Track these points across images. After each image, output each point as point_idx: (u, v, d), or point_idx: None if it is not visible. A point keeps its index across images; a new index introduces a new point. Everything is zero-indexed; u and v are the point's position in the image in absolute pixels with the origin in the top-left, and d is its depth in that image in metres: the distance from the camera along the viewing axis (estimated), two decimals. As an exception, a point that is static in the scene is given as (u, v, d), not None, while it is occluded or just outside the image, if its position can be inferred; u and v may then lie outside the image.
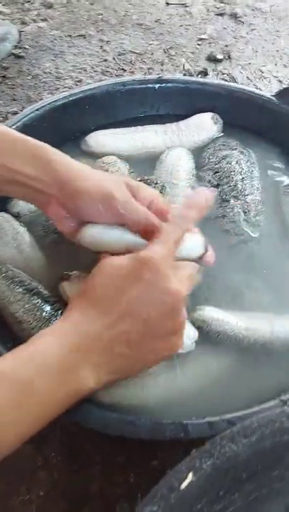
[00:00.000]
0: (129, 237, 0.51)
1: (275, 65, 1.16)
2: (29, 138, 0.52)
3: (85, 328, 0.42)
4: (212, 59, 1.16)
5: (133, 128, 0.75)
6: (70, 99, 0.73)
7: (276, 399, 0.42)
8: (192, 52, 1.18)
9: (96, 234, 0.52)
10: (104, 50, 1.19)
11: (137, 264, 0.44)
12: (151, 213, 0.50)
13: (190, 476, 0.39)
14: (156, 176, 0.69)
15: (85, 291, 0.45)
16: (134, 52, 1.18)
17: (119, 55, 1.17)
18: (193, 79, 0.76)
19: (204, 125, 0.75)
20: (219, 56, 1.15)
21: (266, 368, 0.52)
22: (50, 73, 1.12)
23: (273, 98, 0.75)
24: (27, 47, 1.19)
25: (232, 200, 0.67)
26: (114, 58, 1.17)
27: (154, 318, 0.43)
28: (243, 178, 0.69)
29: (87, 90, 0.74)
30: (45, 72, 1.13)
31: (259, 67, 1.15)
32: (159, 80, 0.77)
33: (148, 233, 0.49)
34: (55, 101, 0.72)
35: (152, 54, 1.17)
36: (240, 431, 0.41)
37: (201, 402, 0.50)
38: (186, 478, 0.39)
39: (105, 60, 1.16)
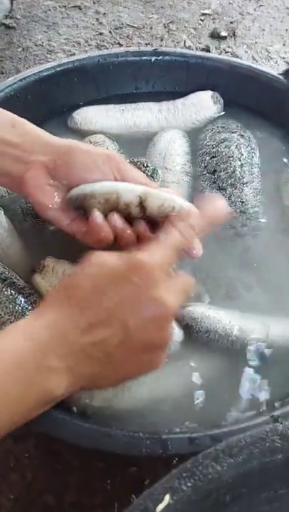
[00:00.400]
0: (122, 185, 0.46)
1: (283, 45, 1.09)
2: (8, 112, 0.50)
3: (61, 330, 0.38)
4: (215, 36, 1.09)
5: (125, 105, 0.69)
6: (58, 69, 0.67)
7: (266, 414, 0.37)
8: (194, 28, 1.11)
9: (87, 186, 0.47)
10: (101, 23, 1.12)
11: (129, 267, 0.39)
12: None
13: (167, 498, 0.35)
14: (147, 159, 0.63)
15: (66, 288, 0.40)
16: (132, 26, 1.11)
17: (116, 28, 1.10)
18: (193, 52, 0.70)
19: (203, 104, 0.69)
20: (223, 33, 1.08)
21: (258, 375, 0.47)
22: (41, 46, 1.06)
23: (280, 77, 0.68)
24: (18, 17, 1.12)
25: (229, 189, 0.61)
26: (110, 32, 1.10)
27: (137, 328, 0.38)
28: (242, 164, 0.63)
29: (76, 61, 0.68)
30: (36, 45, 1.06)
31: (266, 47, 1.08)
32: (156, 52, 0.70)
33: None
34: (41, 71, 0.66)
35: (151, 28, 1.10)
36: (225, 449, 0.36)
37: (185, 408, 0.45)
38: (162, 500, 0.35)
39: (101, 34, 1.09)
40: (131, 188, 0.46)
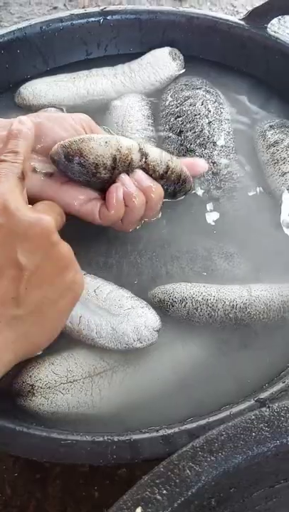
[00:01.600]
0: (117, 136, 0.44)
1: (250, -3, 1.02)
2: None
3: None
4: (177, -4, 1.01)
5: (76, 73, 0.63)
6: (-4, 42, 0.60)
7: (250, 399, 0.31)
8: (154, -9, 1.04)
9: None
10: (54, -3, 1.04)
11: None
12: None
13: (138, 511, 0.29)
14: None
15: None
16: (88, -4, 1.03)
17: (70, 0, 1.03)
18: (144, 8, 0.63)
19: (161, 62, 0.62)
20: (184, -8, 1.01)
21: (247, 352, 0.41)
22: (-7, 27, 0.99)
23: (242, 22, 0.62)
24: None
25: (198, 150, 0.55)
26: (64, 5, 1.02)
27: (30, 265, 0.34)
28: (210, 122, 0.57)
29: (16, 31, 0.62)
30: (-14, 27, 0.99)
31: (230, 1, 1.01)
32: (104, 12, 0.64)
33: None
34: (-23, 46, 0.60)
35: (108, -4, 1.03)
36: (204, 446, 0.30)
37: (168, 406, 0.39)
38: (133, 514, 0.29)
39: (55, 8, 1.02)
40: (126, 139, 0.44)
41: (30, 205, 0.38)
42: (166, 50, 0.63)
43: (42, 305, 0.35)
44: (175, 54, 0.63)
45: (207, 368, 0.41)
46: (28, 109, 0.61)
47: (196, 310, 0.44)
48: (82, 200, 0.44)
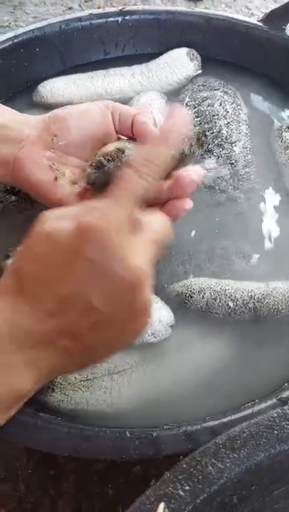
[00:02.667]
0: None
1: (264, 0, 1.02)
2: None
3: (12, 318, 0.32)
4: (191, -2, 1.02)
5: (94, 72, 0.63)
6: (15, 41, 0.61)
7: (272, 398, 0.32)
8: (168, -7, 1.04)
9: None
10: (69, -3, 1.05)
11: (77, 237, 0.31)
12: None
13: (161, 507, 0.29)
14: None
15: (13, 272, 0.33)
16: (103, -3, 1.04)
17: (85, 1, 1.04)
18: (163, 8, 0.64)
19: (178, 63, 0.63)
20: (199, -6, 1.01)
21: (268, 349, 0.41)
22: (8, 27, 0.99)
23: (260, 24, 0.62)
24: (-18, 0, 1.06)
25: (216, 150, 0.56)
26: (80, 5, 1.03)
27: (105, 304, 0.31)
28: (228, 122, 0.57)
29: (35, 30, 0.62)
30: (3, 26, 1.00)
31: (245, 4, 1.01)
32: (122, 12, 0.64)
33: None
34: (-4, 44, 0.60)
35: (123, -3, 1.04)
36: (226, 443, 0.30)
37: (188, 404, 0.39)
38: (156, 510, 0.29)
39: (70, 8, 1.03)
40: None
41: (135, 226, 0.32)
42: (184, 50, 0.64)
43: (97, 345, 0.33)
44: (193, 55, 0.64)
45: (227, 366, 0.41)
46: (46, 107, 0.61)
47: (215, 300, 0.44)
48: None
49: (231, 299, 0.43)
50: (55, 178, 0.42)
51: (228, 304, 0.43)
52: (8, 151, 0.43)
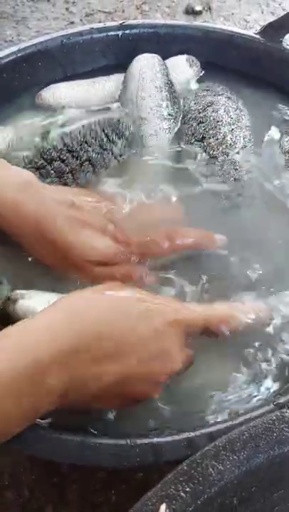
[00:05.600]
0: None
1: (262, 13, 1.04)
2: None
3: (71, 349, 0.34)
4: (190, 12, 1.04)
5: (96, 78, 0.64)
6: (18, 55, 0.62)
7: (269, 403, 0.32)
8: (168, 7, 1.06)
9: None
10: (71, 12, 1.07)
11: (166, 312, 0.38)
12: None
13: (163, 508, 0.30)
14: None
15: (94, 300, 0.37)
16: (104, 12, 1.06)
17: (86, 15, 1.06)
18: (163, 22, 0.65)
19: (178, 69, 0.64)
20: (198, 8, 1.03)
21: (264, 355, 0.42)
22: (11, 41, 1.01)
23: (257, 36, 0.63)
24: (-14, 15, 1.08)
25: (221, 157, 0.56)
26: (81, 20, 1.05)
27: (138, 374, 0.36)
28: (232, 129, 0.58)
29: (38, 44, 0.64)
30: (6, 41, 1.02)
31: (243, 17, 1.03)
32: (123, 26, 0.65)
33: None
34: (0, 58, 0.61)
35: (123, 12, 1.06)
36: (226, 445, 0.31)
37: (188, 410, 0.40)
38: (157, 511, 0.30)
39: (72, 23, 1.05)
40: None
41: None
42: (184, 57, 0.65)
43: (113, 396, 0.36)
44: (192, 61, 0.65)
45: (223, 373, 0.42)
46: (48, 109, 0.61)
47: None
48: None
49: None
50: None
51: None
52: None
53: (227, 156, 0.56)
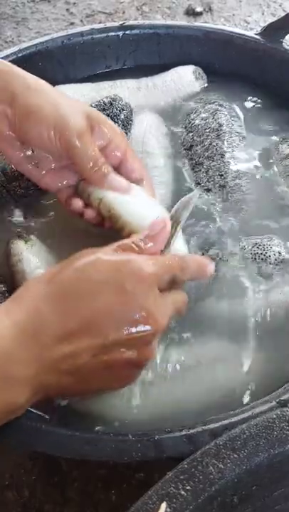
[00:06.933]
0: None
1: (262, 14, 1.04)
2: None
3: (33, 332, 0.33)
4: (191, 13, 1.04)
5: (101, 83, 0.64)
6: (19, 55, 0.63)
7: (272, 400, 0.32)
8: (168, 8, 1.06)
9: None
10: (71, 13, 1.07)
11: (126, 271, 0.35)
12: (101, 159, 0.45)
13: (163, 506, 0.30)
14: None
15: (50, 281, 0.35)
16: (104, 13, 1.06)
17: (87, 16, 1.06)
18: (162, 22, 0.65)
19: (184, 81, 0.64)
20: (199, 9, 1.03)
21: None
22: (11, 42, 1.02)
23: (258, 37, 0.63)
24: (-14, 16, 1.08)
25: (206, 162, 0.56)
26: (81, 21, 1.05)
27: (116, 343, 0.34)
28: (218, 135, 0.58)
29: (38, 44, 0.64)
30: (6, 42, 1.02)
31: (244, 18, 1.03)
32: (123, 27, 0.66)
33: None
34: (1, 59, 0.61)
35: (124, 13, 1.06)
36: (226, 444, 0.31)
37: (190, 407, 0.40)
38: (158, 509, 0.30)
39: (72, 24, 1.05)
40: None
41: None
42: (190, 68, 0.65)
43: (94, 378, 0.35)
44: (199, 73, 0.65)
45: (227, 371, 0.42)
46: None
47: None
48: None
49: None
50: None
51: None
52: None
53: (212, 161, 0.56)
